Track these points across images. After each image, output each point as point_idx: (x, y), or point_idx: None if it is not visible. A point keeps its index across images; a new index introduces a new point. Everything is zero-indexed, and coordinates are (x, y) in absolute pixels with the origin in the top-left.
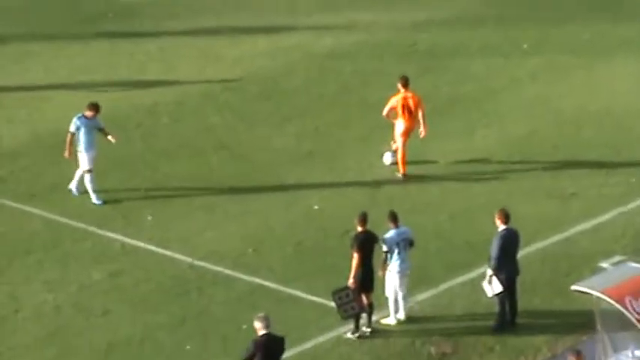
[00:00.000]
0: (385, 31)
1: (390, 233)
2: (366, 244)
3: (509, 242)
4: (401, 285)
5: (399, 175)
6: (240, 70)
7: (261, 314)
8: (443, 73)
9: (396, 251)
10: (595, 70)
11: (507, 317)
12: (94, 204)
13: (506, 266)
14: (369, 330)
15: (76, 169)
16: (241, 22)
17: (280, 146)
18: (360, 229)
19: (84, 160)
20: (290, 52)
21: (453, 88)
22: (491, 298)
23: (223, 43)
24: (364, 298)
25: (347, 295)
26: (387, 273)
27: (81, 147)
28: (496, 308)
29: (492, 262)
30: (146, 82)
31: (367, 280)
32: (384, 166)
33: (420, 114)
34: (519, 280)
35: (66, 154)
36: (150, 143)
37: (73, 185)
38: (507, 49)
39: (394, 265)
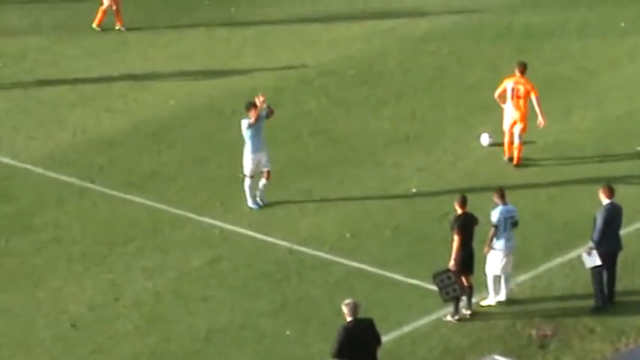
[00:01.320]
0: (480, 12)
1: (498, 209)
2: (466, 226)
3: (613, 216)
4: (506, 264)
5: (505, 158)
6: (336, 55)
7: (348, 301)
8: (539, 54)
9: (502, 229)
10: None
11: (605, 297)
12: (250, 207)
13: (608, 241)
14: (468, 312)
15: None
16: (336, 6)
17: (377, 130)
18: (459, 211)
19: (247, 164)
20: (385, 35)
21: (549, 68)
22: (589, 273)
23: (318, 28)
24: (464, 281)
25: (448, 278)
26: (492, 251)
27: (247, 149)
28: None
29: (595, 235)
30: (243, 68)
31: (467, 262)
32: (482, 147)
33: (534, 101)
34: (620, 258)
35: None
36: None
37: (249, 202)
38: (604, 28)
39: (499, 243)
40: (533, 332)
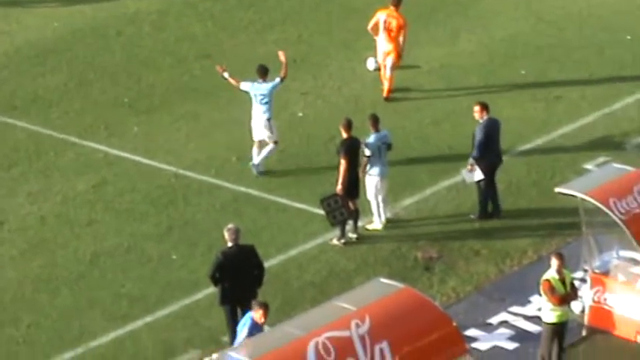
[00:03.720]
0: None
1: (371, 138)
2: (352, 150)
3: (492, 131)
4: (381, 188)
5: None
6: None
7: (230, 226)
8: None
9: (377, 155)
10: None
11: (490, 208)
12: (253, 164)
13: (489, 155)
14: (355, 236)
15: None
16: None
17: (262, 54)
18: (345, 135)
19: (275, 129)
20: None
21: None
22: (470, 185)
23: None
24: (351, 205)
25: (335, 202)
26: (368, 177)
27: (271, 114)
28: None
29: (476, 150)
30: None
31: (353, 186)
32: (368, 71)
33: (401, 39)
34: (504, 182)
35: None
36: (132, 52)
37: (257, 160)
38: None
39: (374, 168)
40: (419, 255)
